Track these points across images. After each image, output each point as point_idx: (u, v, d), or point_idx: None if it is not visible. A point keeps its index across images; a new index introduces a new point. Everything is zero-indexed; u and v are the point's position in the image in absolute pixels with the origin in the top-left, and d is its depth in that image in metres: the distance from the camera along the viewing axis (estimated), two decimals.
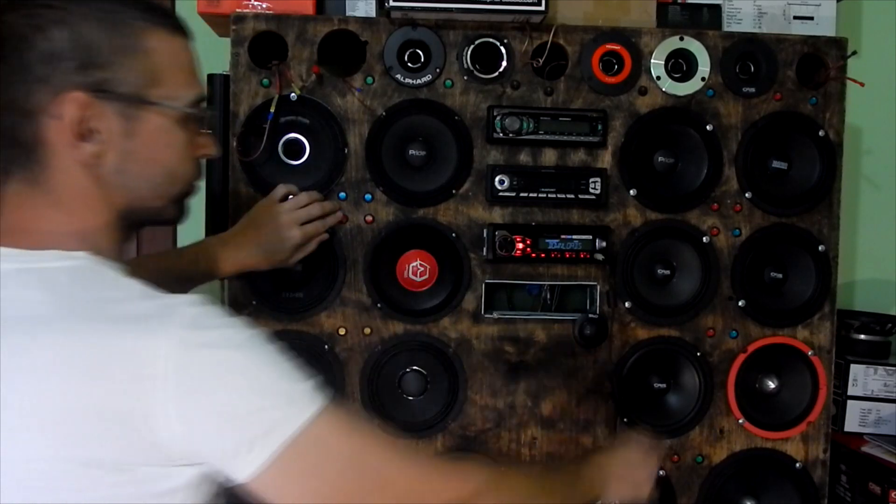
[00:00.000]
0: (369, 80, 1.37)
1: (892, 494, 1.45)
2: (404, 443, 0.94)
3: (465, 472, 0.90)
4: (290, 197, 1.31)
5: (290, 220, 1.28)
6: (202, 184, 0.98)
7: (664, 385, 1.44)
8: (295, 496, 0.77)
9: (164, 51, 0.82)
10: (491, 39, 1.38)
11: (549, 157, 1.41)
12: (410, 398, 1.40)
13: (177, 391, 0.73)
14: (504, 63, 1.38)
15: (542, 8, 1.32)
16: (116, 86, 0.79)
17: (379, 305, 1.38)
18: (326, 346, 1.37)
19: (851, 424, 1.59)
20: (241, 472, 0.76)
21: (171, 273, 1.20)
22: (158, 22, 0.82)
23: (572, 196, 1.40)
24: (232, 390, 0.75)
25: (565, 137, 1.39)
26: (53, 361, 0.73)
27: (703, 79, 1.42)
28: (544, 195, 1.39)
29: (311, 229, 1.30)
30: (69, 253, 0.80)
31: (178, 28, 0.85)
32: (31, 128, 0.79)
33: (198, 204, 1.05)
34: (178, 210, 0.90)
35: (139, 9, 0.81)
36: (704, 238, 1.43)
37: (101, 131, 0.79)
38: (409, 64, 1.38)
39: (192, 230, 1.33)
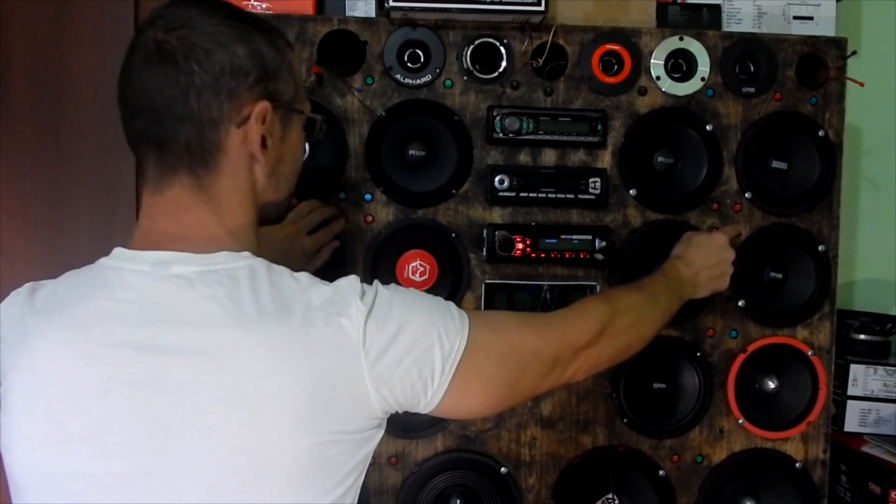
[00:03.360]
0: (369, 80, 1.37)
1: (892, 494, 1.45)
2: (528, 314, 1.12)
3: (587, 310, 1.04)
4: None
5: (297, 230, 1.27)
6: None
7: (664, 385, 1.44)
8: (476, 396, 0.90)
9: (295, 67, 0.93)
10: (491, 39, 1.38)
11: (549, 157, 1.41)
12: None
13: (373, 355, 0.81)
14: (504, 63, 1.38)
15: (542, 8, 1.32)
16: (281, 95, 0.89)
17: None
18: None
19: (851, 424, 1.59)
20: (430, 402, 0.86)
21: None
22: (288, 44, 0.94)
23: (572, 196, 1.40)
24: (409, 335, 0.84)
25: (565, 137, 1.39)
26: (272, 350, 0.78)
27: (702, 79, 1.42)
28: (544, 195, 1.39)
29: (320, 236, 1.30)
30: (237, 254, 0.85)
31: (293, 50, 0.95)
32: (214, 136, 0.85)
33: None
34: (288, 209, 1.00)
35: (279, 32, 0.93)
36: None
37: (270, 137, 0.88)
38: (408, 64, 1.38)
39: None
